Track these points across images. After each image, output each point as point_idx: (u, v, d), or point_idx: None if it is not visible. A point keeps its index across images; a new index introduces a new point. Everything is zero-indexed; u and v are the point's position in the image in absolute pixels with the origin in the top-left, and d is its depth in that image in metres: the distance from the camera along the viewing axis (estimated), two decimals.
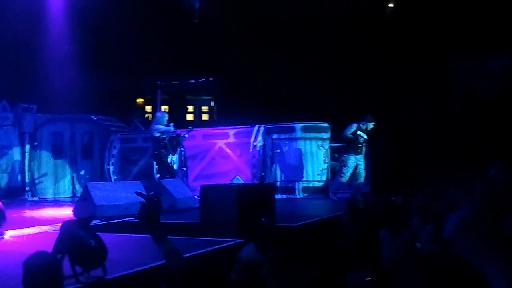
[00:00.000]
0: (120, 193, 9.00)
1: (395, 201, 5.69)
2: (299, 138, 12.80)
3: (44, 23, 14.55)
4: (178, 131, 11.78)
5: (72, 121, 14.21)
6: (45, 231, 7.38)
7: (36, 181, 13.73)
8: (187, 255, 4.83)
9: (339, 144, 12.53)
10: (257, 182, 12.17)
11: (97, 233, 4.41)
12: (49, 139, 13.99)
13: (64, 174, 14.04)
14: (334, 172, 12.42)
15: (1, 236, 6.89)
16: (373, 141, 11.90)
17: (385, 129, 12.54)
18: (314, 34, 15.14)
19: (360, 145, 11.39)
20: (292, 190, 12.57)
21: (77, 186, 13.84)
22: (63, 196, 13.69)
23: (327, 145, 12.79)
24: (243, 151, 12.86)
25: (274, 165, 12.89)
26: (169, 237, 2.61)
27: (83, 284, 4.11)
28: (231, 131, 13.21)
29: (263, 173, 12.62)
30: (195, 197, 9.81)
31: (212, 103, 22.84)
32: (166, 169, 11.32)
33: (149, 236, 2.57)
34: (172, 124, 11.47)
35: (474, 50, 14.29)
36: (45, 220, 8.56)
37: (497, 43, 13.92)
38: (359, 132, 11.36)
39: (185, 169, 12.96)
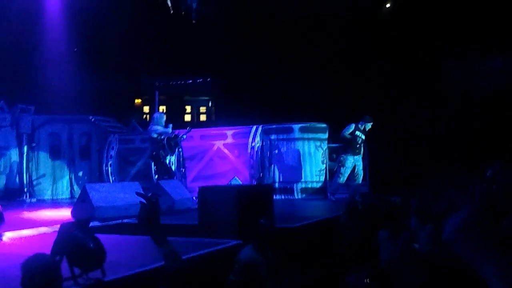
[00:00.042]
0: (118, 194, 8.98)
1: (394, 202, 5.69)
2: (297, 139, 12.79)
3: (42, 24, 14.55)
4: (176, 131, 11.77)
5: (70, 122, 14.20)
6: (43, 233, 7.36)
7: (34, 182, 13.71)
8: (186, 256, 4.82)
9: (337, 145, 12.54)
10: (255, 183, 12.17)
11: (96, 234, 4.41)
12: (47, 140, 13.98)
13: (62, 175, 14.03)
14: (333, 172, 12.41)
15: (0, 238, 6.88)
16: (372, 142, 11.91)
17: (384, 129, 12.55)
18: (313, 35, 15.15)
19: (358, 146, 11.40)
20: (290, 191, 12.57)
21: (75, 187, 13.83)
22: (61, 197, 13.68)
23: (325, 145, 12.79)
24: (241, 152, 12.86)
25: (272, 166, 12.89)
26: (168, 238, 2.60)
27: (81, 286, 4.10)
28: (229, 132, 13.21)
29: (261, 174, 12.61)
30: (194, 198, 9.81)
31: (210, 104, 22.83)
32: (164, 170, 11.32)
33: (148, 237, 2.56)
34: (171, 125, 11.46)
35: (472, 51, 14.33)
36: (43, 222, 8.54)
37: (494, 44, 13.96)
38: (357, 133, 11.38)
39: (183, 170, 12.96)
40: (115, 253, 4.95)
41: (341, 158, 11.59)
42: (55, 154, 14.02)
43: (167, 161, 11.56)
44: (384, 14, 15.53)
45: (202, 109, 23.04)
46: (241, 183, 11.44)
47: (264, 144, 12.83)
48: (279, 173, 12.83)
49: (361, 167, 11.47)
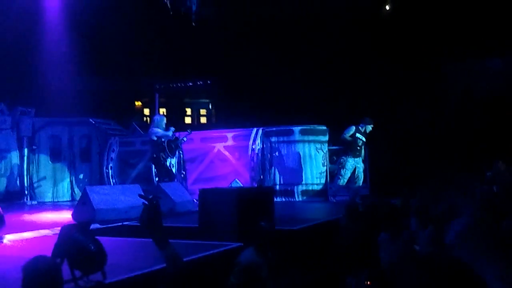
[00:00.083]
0: (119, 196, 8.99)
1: (394, 204, 5.69)
2: (298, 141, 12.80)
3: (42, 26, 14.56)
4: (177, 134, 11.78)
5: (70, 124, 14.20)
6: (44, 235, 7.37)
7: (35, 185, 13.71)
8: (187, 259, 4.83)
9: (338, 147, 12.54)
10: (256, 185, 12.16)
11: (96, 237, 4.41)
12: (47, 143, 13.98)
13: (62, 178, 14.03)
14: (333, 175, 12.42)
15: (0, 241, 6.87)
16: (372, 143, 11.91)
17: (384, 130, 12.56)
18: (312, 36, 15.16)
19: (358, 148, 11.41)
20: (291, 193, 12.57)
21: (76, 190, 13.82)
22: (61, 200, 13.68)
23: (325, 148, 12.80)
24: (242, 154, 12.86)
25: (273, 168, 12.89)
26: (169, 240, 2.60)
27: None
28: (230, 134, 13.21)
29: (261, 176, 12.61)
30: (194, 200, 9.81)
31: (210, 106, 22.82)
32: (165, 173, 11.32)
33: (149, 239, 2.56)
34: (172, 128, 11.46)
35: (471, 52, 14.35)
36: (44, 224, 8.54)
37: (493, 45, 13.98)
38: (357, 135, 11.38)
39: (184, 172, 12.96)
40: (115, 255, 4.95)
41: (341, 160, 11.60)
42: (55, 156, 14.02)
43: (168, 164, 11.57)
44: (383, 16, 15.55)
45: (203, 111, 23.02)
46: (241, 185, 11.44)
47: (264, 146, 12.84)
48: (280, 175, 12.83)
49: (361, 170, 11.47)
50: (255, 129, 12.96)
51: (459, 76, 15.39)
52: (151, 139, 11.42)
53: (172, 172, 11.86)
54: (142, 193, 2.73)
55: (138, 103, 21.78)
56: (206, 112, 22.95)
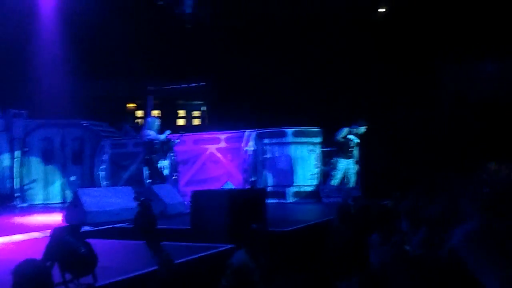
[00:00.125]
0: (110, 199, 8.96)
1: (386, 205, 5.69)
2: (291, 143, 12.82)
3: (34, 28, 14.51)
4: (169, 136, 11.75)
5: (62, 126, 14.12)
6: (35, 238, 7.33)
7: (26, 187, 13.62)
8: (178, 261, 4.81)
9: (331, 149, 12.56)
10: (248, 187, 12.16)
11: (87, 239, 4.38)
12: (39, 145, 13.90)
13: (54, 180, 13.95)
14: (326, 176, 12.44)
15: None
16: (364, 145, 11.93)
17: (377, 133, 12.58)
18: (306, 39, 15.20)
19: (350, 149, 11.44)
20: (283, 195, 12.57)
21: (67, 192, 13.73)
22: (53, 202, 13.59)
23: (318, 149, 12.82)
24: (235, 156, 12.85)
25: (265, 170, 12.90)
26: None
27: None
28: (223, 136, 13.20)
29: (254, 178, 12.61)
30: (186, 202, 9.78)
31: (203, 108, 22.81)
32: (157, 175, 11.29)
33: (141, 242, 2.55)
34: (168, 131, 11.40)
35: (465, 55, 14.43)
36: (34, 227, 8.49)
37: (487, 49, 14.06)
38: (350, 136, 11.40)
39: (176, 174, 12.93)
40: (106, 258, 4.92)
41: (333, 161, 11.65)
42: (47, 158, 13.94)
43: (160, 165, 11.53)
44: (378, 19, 15.61)
45: (196, 113, 23.00)
46: (234, 187, 11.42)
47: (257, 148, 12.84)
48: (272, 177, 12.84)
49: (352, 171, 11.50)
50: (248, 131, 12.97)
51: (453, 79, 15.47)
52: (143, 141, 11.39)
53: (164, 174, 11.82)
54: (134, 195, 2.73)
55: (131, 105, 21.74)
56: (199, 114, 22.93)
